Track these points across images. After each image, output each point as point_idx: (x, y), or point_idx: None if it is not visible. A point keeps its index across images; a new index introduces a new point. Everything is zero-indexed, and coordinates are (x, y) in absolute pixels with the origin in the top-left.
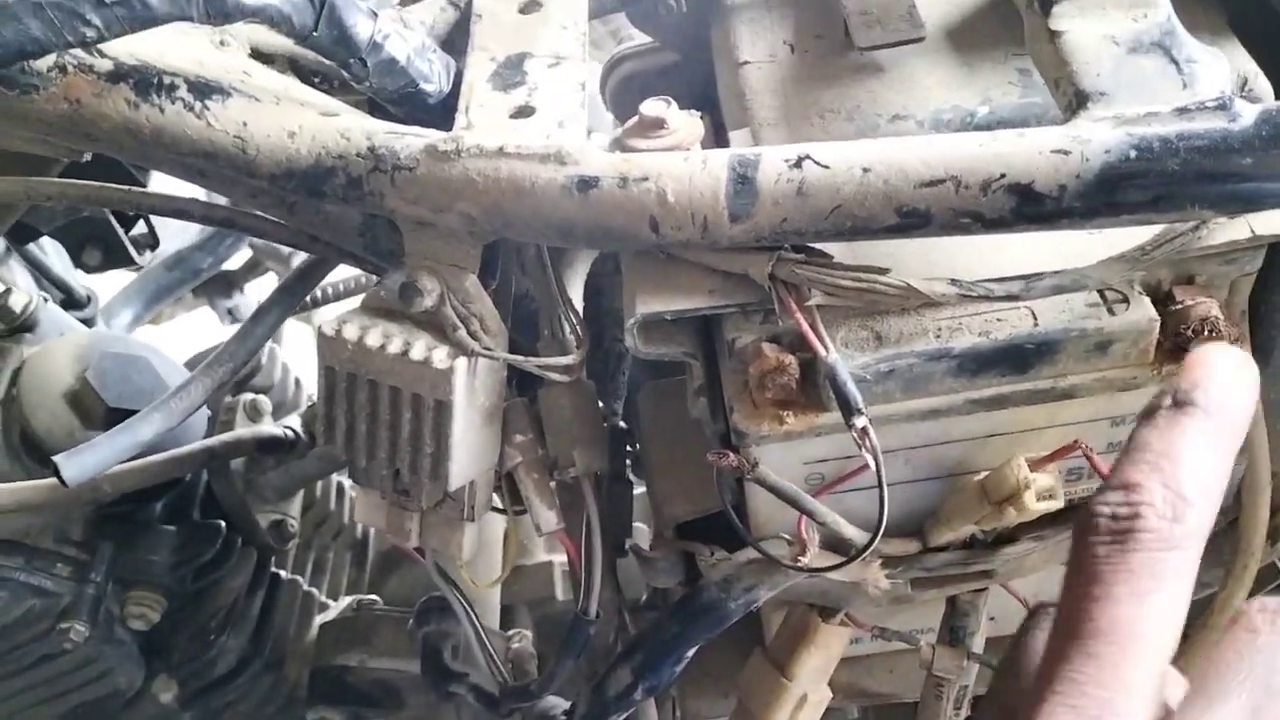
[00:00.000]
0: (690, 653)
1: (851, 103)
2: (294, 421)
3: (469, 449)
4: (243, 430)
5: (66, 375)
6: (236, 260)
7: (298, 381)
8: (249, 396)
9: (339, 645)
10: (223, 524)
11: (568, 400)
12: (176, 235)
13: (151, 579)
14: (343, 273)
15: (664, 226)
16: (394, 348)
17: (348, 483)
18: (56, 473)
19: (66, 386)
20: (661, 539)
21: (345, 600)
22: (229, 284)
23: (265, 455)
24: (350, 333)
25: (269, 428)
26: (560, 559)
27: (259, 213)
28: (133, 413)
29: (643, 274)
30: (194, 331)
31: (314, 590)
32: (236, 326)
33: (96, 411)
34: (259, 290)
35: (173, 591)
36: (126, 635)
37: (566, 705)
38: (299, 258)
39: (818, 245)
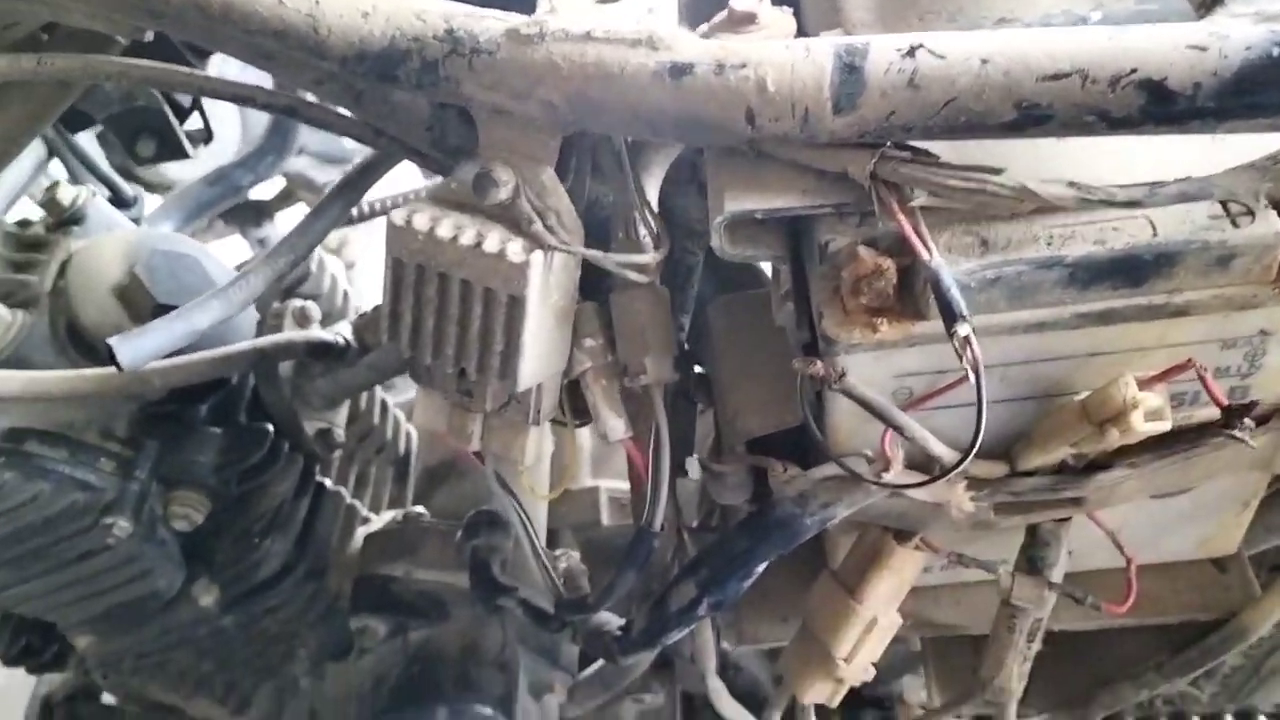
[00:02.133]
0: (759, 569)
1: (954, 4)
2: (344, 329)
3: (540, 348)
4: (293, 333)
5: (115, 270)
6: (269, 189)
7: (345, 294)
8: (297, 302)
9: (384, 555)
10: (270, 428)
11: (642, 304)
12: (214, 156)
13: (196, 480)
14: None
15: (761, 118)
16: (467, 239)
17: (391, 399)
18: (111, 355)
19: (115, 281)
20: (732, 454)
21: (389, 514)
22: (260, 212)
23: (314, 361)
24: (420, 223)
25: (319, 332)
26: (606, 484)
27: (323, 103)
28: None
29: (731, 171)
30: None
31: (357, 503)
32: None
33: (145, 307)
34: (290, 220)
35: (217, 494)
36: (169, 535)
37: (620, 621)
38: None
39: (922, 144)
